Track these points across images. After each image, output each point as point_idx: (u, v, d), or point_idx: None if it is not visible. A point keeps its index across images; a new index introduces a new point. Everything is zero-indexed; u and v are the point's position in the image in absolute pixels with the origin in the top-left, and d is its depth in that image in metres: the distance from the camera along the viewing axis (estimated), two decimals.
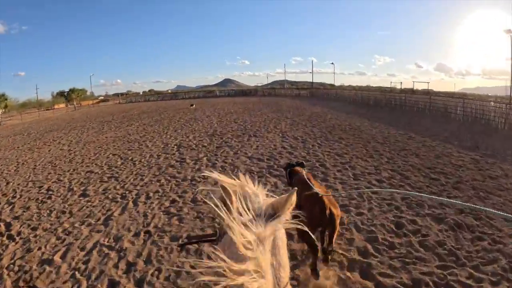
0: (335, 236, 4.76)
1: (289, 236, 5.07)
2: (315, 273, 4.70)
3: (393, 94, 42.15)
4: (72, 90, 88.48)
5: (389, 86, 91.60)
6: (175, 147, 16.18)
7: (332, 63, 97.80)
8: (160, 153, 14.99)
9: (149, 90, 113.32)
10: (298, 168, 6.00)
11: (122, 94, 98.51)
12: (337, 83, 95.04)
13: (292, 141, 15.97)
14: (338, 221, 4.66)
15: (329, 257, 4.90)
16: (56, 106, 74.92)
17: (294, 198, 1.28)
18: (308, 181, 5.01)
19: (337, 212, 4.64)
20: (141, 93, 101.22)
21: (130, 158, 14.39)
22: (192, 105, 41.91)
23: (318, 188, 4.95)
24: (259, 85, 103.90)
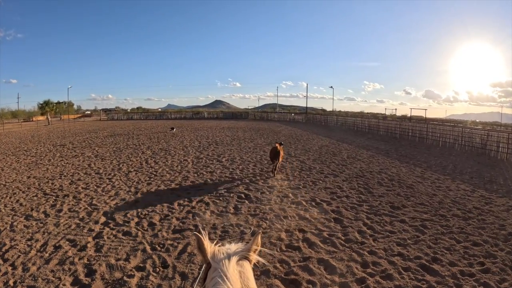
0: (279, 164, 14.67)
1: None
2: (273, 174, 14.54)
3: (404, 123, 41.64)
4: (46, 103, 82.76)
5: (383, 112, 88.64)
6: (103, 217, 9.65)
7: (331, 87, 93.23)
8: (65, 233, 8.39)
9: (137, 108, 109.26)
10: (278, 149, 14.30)
11: (106, 110, 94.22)
12: (327, 108, 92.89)
13: (316, 214, 10.31)
14: (280, 159, 14.40)
15: (275, 171, 14.58)
16: (35, 118, 69.98)
17: (258, 240, 2.04)
18: (278, 145, 14.39)
19: (281, 154, 14.21)
20: (129, 110, 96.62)
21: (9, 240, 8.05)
22: (172, 128, 36.03)
23: (278, 146, 14.25)
24: (250, 107, 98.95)
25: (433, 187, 13.83)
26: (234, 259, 1.91)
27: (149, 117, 71.64)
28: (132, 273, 6.48)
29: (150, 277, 6.37)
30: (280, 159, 14.41)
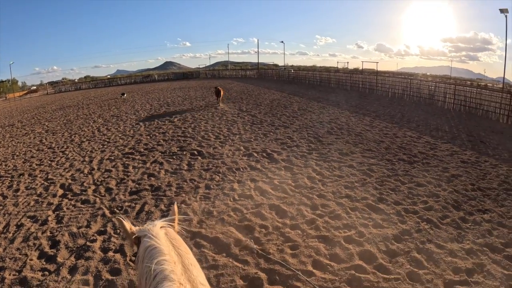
0: (220, 99, 22.95)
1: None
2: (218, 104, 22.70)
3: (355, 75, 41.26)
4: None
5: (336, 66, 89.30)
6: (60, 189, 9.15)
7: (282, 42, 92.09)
8: (25, 211, 8.05)
9: (85, 77, 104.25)
10: (219, 89, 22.92)
11: (53, 83, 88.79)
12: (279, 63, 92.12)
13: (267, 164, 10.48)
14: (222, 96, 23.08)
15: (220, 103, 22.76)
16: None
17: (176, 211, 2.37)
18: (219, 88, 23.03)
19: (222, 92, 23.07)
20: (76, 80, 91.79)
21: None
22: (122, 94, 34.23)
23: (220, 88, 23.10)
24: (201, 66, 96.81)
25: (380, 134, 14.05)
26: (158, 224, 2.12)
27: (98, 85, 68.11)
28: (95, 238, 6.37)
29: (112, 239, 6.29)
30: (222, 95, 23.05)
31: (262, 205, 7.36)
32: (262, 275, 5.06)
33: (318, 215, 6.89)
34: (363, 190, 8.13)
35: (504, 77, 48.07)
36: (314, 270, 5.14)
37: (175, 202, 2.41)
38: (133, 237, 2.17)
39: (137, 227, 2.23)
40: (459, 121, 18.10)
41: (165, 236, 2.04)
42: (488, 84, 61.24)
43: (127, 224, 2.21)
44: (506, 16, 39.49)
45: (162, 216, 6.85)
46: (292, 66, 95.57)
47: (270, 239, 6.05)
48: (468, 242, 5.98)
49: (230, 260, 5.45)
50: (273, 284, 4.91)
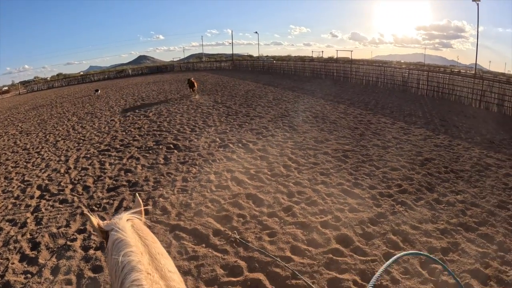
0: (195, 90, 23.53)
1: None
2: (192, 95, 23.45)
3: (329, 64, 40.32)
4: None
5: (310, 55, 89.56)
6: (38, 190, 8.89)
7: (256, 32, 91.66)
8: (3, 215, 7.91)
9: (57, 75, 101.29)
10: (192, 80, 23.49)
11: (25, 82, 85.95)
12: (254, 54, 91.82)
13: (243, 154, 10.49)
14: (196, 87, 23.65)
15: (195, 94, 23.35)
16: None
17: (140, 202, 2.41)
18: (193, 80, 23.72)
19: (196, 84, 23.73)
20: (49, 78, 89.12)
21: None
22: (96, 90, 33.24)
23: (193, 80, 23.81)
24: (175, 59, 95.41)
25: (355, 121, 14.12)
26: (124, 217, 2.16)
27: (71, 83, 65.86)
28: (75, 237, 6.23)
29: (92, 236, 6.17)
30: (196, 87, 23.73)
31: (239, 195, 7.35)
32: (242, 263, 5.06)
33: (294, 202, 6.91)
34: (339, 176, 8.16)
35: (476, 63, 49.05)
36: (292, 256, 5.15)
37: (137, 194, 2.42)
38: (102, 232, 2.20)
39: (105, 222, 2.25)
40: (432, 106, 18.32)
41: (131, 228, 2.07)
42: (461, 70, 62.42)
43: (95, 220, 2.22)
44: (478, 5, 40.08)
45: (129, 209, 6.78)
46: (269, 56, 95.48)
47: (248, 227, 6.05)
48: (442, 222, 6.07)
49: (210, 250, 5.42)
50: (252, 271, 4.90)
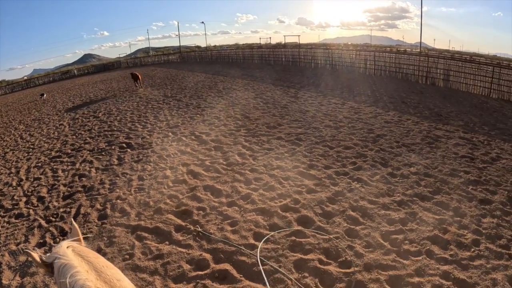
0: (140, 81, 24.01)
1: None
2: (137, 88, 23.91)
3: (278, 50, 40.91)
4: None
5: (258, 42, 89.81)
6: None
7: (203, 22, 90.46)
8: None
9: (0, 82, 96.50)
10: (136, 73, 24.07)
11: None
12: (202, 45, 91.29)
13: (197, 146, 10.46)
14: (140, 79, 24.16)
15: (139, 87, 23.89)
16: None
17: (77, 228, 2.36)
18: (136, 73, 24.53)
19: (140, 77, 24.17)
20: None
21: None
22: (42, 95, 31.71)
23: (137, 73, 24.42)
24: (122, 56, 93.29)
25: (306, 104, 14.22)
26: (64, 244, 2.18)
27: (15, 89, 62.14)
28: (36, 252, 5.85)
29: (53, 249, 5.79)
30: (140, 79, 24.25)
31: (196, 187, 7.22)
32: (207, 256, 4.98)
33: (252, 189, 6.86)
34: (294, 159, 8.16)
35: (421, 42, 51.01)
36: (256, 243, 5.11)
37: (73, 221, 2.44)
38: (46, 265, 2.20)
39: (47, 254, 2.27)
40: (381, 85, 18.76)
41: (72, 252, 2.13)
42: (407, 49, 64.57)
43: (36, 255, 2.23)
44: None
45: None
46: (223, 45, 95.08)
47: (209, 219, 5.96)
48: (398, 194, 6.23)
49: (174, 247, 5.29)
50: (218, 263, 4.83)
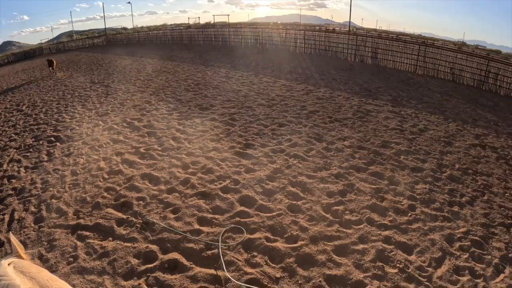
0: (55, 68, 23.13)
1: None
2: (53, 74, 22.79)
3: (207, 29, 40.09)
4: None
5: (187, 22, 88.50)
6: None
7: (129, 3, 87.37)
8: None
9: None
10: (51, 59, 23.47)
11: None
12: (128, 26, 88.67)
13: (129, 134, 10.13)
14: (55, 65, 23.37)
15: (56, 72, 22.83)
16: None
17: (15, 242, 1.95)
18: (51, 59, 24.20)
19: (55, 64, 23.63)
20: None
21: None
22: None
23: (52, 59, 23.94)
24: (44, 41, 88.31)
25: (238, 84, 14.19)
26: (3, 263, 1.93)
27: None
28: None
29: None
30: (55, 65, 23.68)
31: (133, 177, 6.98)
32: (154, 247, 4.87)
33: (190, 173, 6.76)
34: (229, 140, 8.11)
35: (350, 21, 52.44)
36: (201, 227, 5.06)
37: (11, 234, 2.16)
38: None
39: None
40: (311, 63, 19.14)
41: (13, 270, 1.88)
42: (336, 28, 66.29)
43: None
44: None
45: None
46: (144, 27, 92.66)
47: (150, 209, 5.80)
48: (335, 168, 6.40)
49: (118, 242, 5.07)
50: (166, 253, 4.73)
